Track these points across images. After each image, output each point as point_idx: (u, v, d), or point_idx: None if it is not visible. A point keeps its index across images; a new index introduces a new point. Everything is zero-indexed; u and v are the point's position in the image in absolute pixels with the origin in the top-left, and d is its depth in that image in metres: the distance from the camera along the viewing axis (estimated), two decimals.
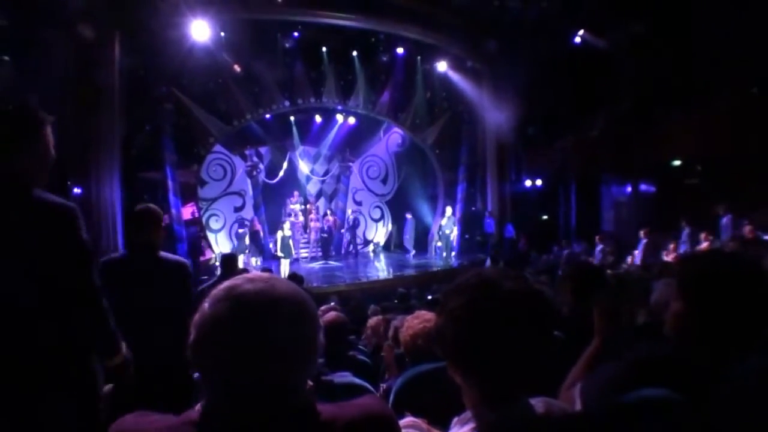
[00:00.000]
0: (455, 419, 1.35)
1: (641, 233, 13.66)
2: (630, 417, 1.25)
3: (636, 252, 13.75)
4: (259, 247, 17.88)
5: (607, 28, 15.47)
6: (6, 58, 10.88)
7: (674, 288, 1.68)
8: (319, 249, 19.08)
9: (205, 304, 1.10)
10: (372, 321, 6.10)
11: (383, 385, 2.99)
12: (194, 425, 1.08)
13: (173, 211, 14.62)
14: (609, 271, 10.70)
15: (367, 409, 1.20)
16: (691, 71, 13.89)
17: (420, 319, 2.86)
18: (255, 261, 17.17)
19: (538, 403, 1.29)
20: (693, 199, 14.92)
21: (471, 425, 1.25)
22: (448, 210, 17.87)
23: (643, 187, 17.46)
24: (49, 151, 2.30)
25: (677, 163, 15.87)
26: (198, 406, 1.11)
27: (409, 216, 19.30)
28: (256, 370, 1.04)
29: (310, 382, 1.17)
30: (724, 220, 12.63)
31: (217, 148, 17.28)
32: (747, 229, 11.79)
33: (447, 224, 17.63)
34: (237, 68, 15.20)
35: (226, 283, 1.12)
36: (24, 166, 2.18)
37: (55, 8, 11.00)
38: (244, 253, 16.69)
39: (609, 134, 16.58)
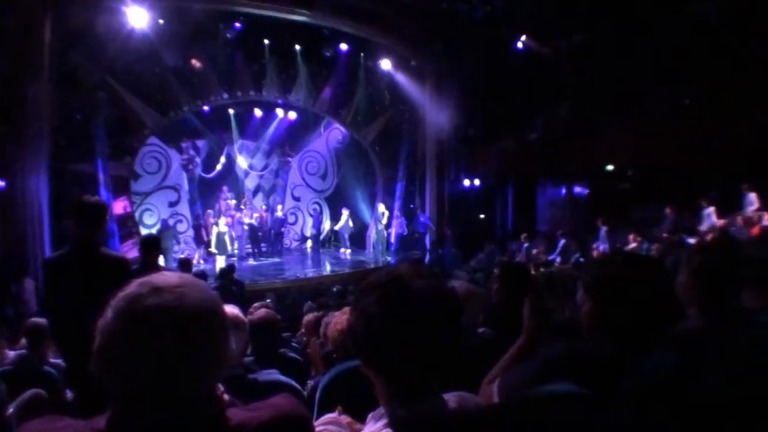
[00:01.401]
0: (370, 415, 1.35)
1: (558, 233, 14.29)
2: (537, 410, 1.28)
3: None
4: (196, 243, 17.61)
5: (549, 34, 15.82)
6: None
7: (582, 290, 1.74)
8: (255, 245, 18.81)
9: (109, 313, 1.06)
10: (307, 318, 6.08)
11: (310, 382, 2.98)
12: None
13: None
14: (541, 270, 11.00)
15: (277, 410, 1.19)
16: (628, 80, 14.37)
17: (348, 315, 2.85)
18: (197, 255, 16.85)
19: (451, 398, 1.30)
20: (624, 203, 15.49)
21: (384, 420, 1.24)
22: (381, 206, 17.94)
23: (577, 189, 17.97)
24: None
25: (610, 167, 16.40)
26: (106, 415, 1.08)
27: (345, 211, 19.27)
28: (157, 382, 1.01)
29: (221, 388, 1.15)
30: (667, 216, 13.22)
31: (152, 140, 16.72)
32: (631, 237, 12.41)
33: (383, 221, 17.70)
34: (195, 62, 14.84)
35: (129, 292, 1.07)
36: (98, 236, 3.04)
37: None
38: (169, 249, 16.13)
39: (547, 138, 17.00)
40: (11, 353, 4.80)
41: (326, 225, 21.24)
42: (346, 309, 2.92)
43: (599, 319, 1.65)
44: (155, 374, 1.01)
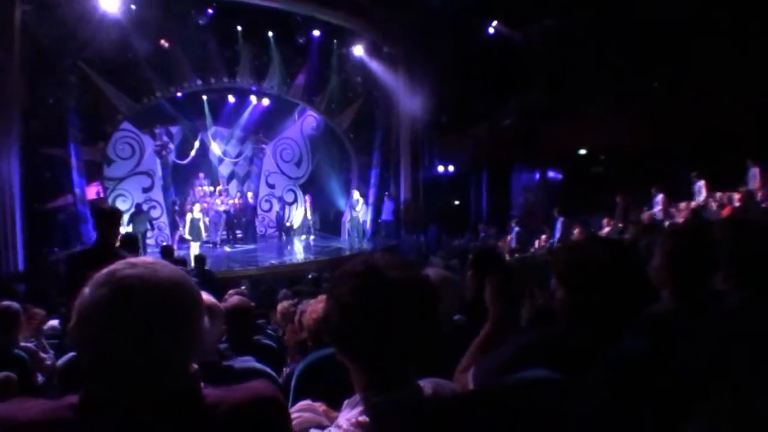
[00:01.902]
0: (345, 402, 1.37)
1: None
2: (514, 397, 1.30)
3: (544, 236, 14.34)
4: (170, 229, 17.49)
5: (521, 20, 15.88)
6: None
7: (554, 276, 1.76)
8: (230, 232, 18.73)
9: (86, 289, 1.09)
10: (282, 305, 6.07)
11: (286, 369, 2.99)
12: (74, 408, 1.06)
13: (77, 190, 13.95)
14: (516, 255, 11.09)
15: (254, 392, 1.21)
16: (600, 64, 14.48)
17: (323, 303, 2.85)
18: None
19: (427, 385, 1.32)
20: (597, 187, 15.66)
21: (360, 408, 1.26)
22: (355, 193, 17.93)
23: (550, 174, 18.13)
24: None
25: (583, 152, 16.57)
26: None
27: (307, 197, 19.32)
28: (134, 353, 1.03)
29: (196, 366, 1.16)
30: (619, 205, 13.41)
31: (125, 125, 16.56)
32: (577, 231, 12.62)
33: (358, 208, 17.68)
34: (165, 43, 14.64)
35: (108, 268, 1.11)
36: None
37: None
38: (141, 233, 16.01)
39: (520, 123, 17.11)
40: None
41: (301, 212, 21.20)
42: (322, 297, 2.93)
43: (572, 305, 1.68)
44: (131, 343, 1.03)
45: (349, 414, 1.29)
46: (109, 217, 4.70)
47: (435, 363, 1.43)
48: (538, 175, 18.53)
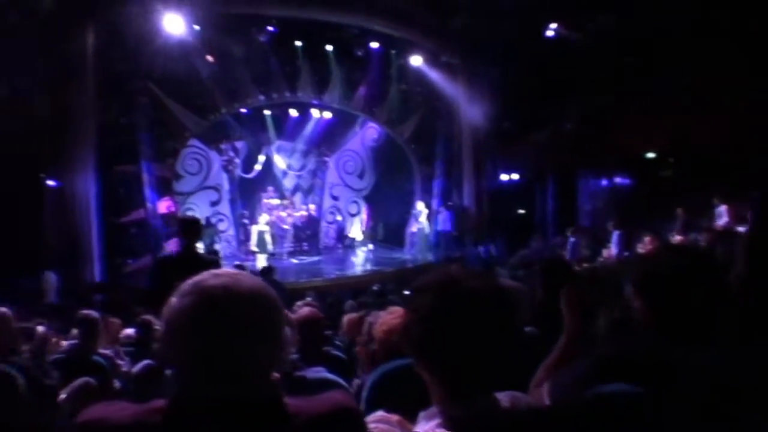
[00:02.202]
0: (421, 414, 1.36)
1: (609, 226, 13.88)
2: (593, 412, 1.28)
3: (610, 245, 13.90)
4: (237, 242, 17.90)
5: (581, 19, 15.53)
6: None
7: (632, 286, 1.72)
8: (296, 244, 19.02)
9: (173, 298, 1.13)
10: (348, 317, 6.11)
11: (357, 381, 3.00)
12: (161, 413, 1.10)
13: (149, 204, 14.54)
14: (585, 265, 10.84)
15: (332, 403, 1.22)
16: (667, 61, 13.98)
17: (394, 315, 2.85)
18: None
19: (504, 398, 1.31)
20: (669, 192, 15.09)
21: (437, 420, 1.26)
22: (419, 204, 17.87)
23: (618, 179, 17.64)
24: None
25: (651, 155, 16.06)
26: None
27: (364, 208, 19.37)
28: (220, 361, 1.07)
29: (277, 375, 1.19)
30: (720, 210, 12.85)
31: (193, 142, 17.12)
32: (648, 240, 12.12)
33: (422, 219, 17.62)
34: (210, 58, 15.07)
35: (193, 278, 1.15)
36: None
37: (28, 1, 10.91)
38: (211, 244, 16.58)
39: (584, 127, 16.70)
40: (64, 343, 5.00)
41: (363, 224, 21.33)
42: (393, 309, 2.93)
43: (651, 316, 1.63)
44: (216, 351, 1.07)
45: (426, 426, 1.29)
46: (192, 225, 5.09)
47: (508, 375, 1.41)
48: (605, 181, 18.02)
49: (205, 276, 1.15)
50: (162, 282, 4.06)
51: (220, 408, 1.08)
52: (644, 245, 12.53)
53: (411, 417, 1.72)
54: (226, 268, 1.26)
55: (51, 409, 3.51)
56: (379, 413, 1.66)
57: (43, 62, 12.03)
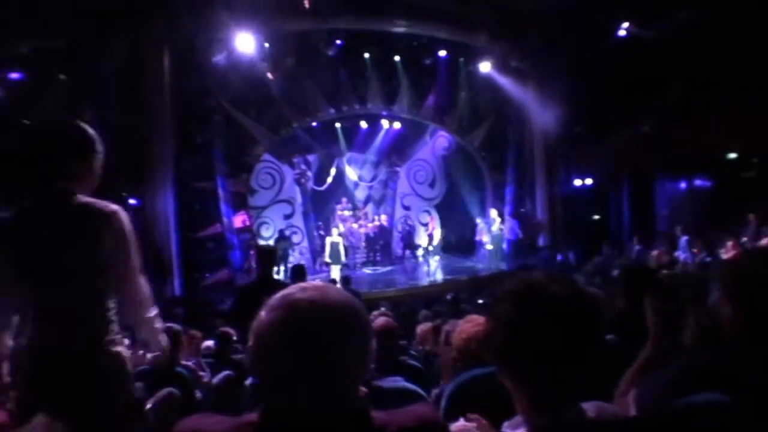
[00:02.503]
0: (506, 423, 1.35)
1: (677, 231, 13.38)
2: (684, 422, 1.23)
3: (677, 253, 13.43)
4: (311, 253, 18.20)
5: (653, 16, 15.06)
6: (62, 76, 11.30)
7: (720, 292, 1.65)
8: (369, 254, 19.15)
9: (262, 313, 1.15)
10: (423, 326, 6.10)
11: (435, 391, 2.99)
12: (253, 427, 1.12)
13: (225, 219, 14.97)
14: (664, 271, 10.47)
15: (418, 416, 1.22)
16: (744, 56, 13.37)
17: (473, 323, 2.84)
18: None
19: (590, 408, 1.28)
20: (752, 194, 14.39)
21: (522, 430, 1.25)
22: (493, 212, 17.66)
23: (698, 182, 16.97)
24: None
25: (733, 156, 15.37)
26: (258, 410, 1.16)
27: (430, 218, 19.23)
28: (310, 375, 1.08)
29: (365, 389, 1.20)
30: None
31: (266, 156, 17.55)
32: (730, 244, 11.54)
33: (494, 227, 17.39)
34: (270, 75, 15.41)
35: (280, 292, 1.17)
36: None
37: (107, 27, 11.39)
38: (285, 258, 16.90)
39: (660, 128, 16.13)
40: (149, 355, 5.19)
41: (437, 233, 21.25)
42: (470, 317, 2.92)
43: (742, 323, 1.56)
44: (305, 364, 1.08)
45: None
46: (268, 254, 5.36)
47: (590, 384, 1.38)
48: (684, 184, 17.36)
49: (293, 290, 1.16)
50: (242, 312, 4.21)
51: (310, 422, 1.09)
52: (727, 250, 12.04)
53: (490, 426, 1.71)
54: (310, 282, 1.26)
55: (138, 418, 3.64)
56: (461, 423, 1.65)
57: (123, 88, 12.58)
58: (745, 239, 12.31)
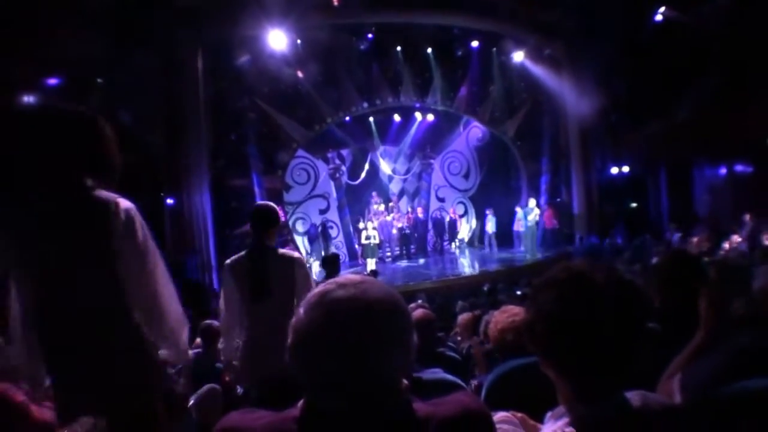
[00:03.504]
0: (549, 414, 1.33)
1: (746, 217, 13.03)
2: (735, 408, 1.20)
3: (736, 237, 13.10)
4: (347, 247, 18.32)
5: (691, 2, 14.73)
6: (99, 80, 11.52)
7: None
8: (403, 247, 19.15)
9: (301, 310, 1.15)
10: (463, 317, 6.09)
11: (474, 382, 2.98)
12: (296, 422, 1.13)
13: None
14: (705, 259, 10.28)
15: (462, 406, 1.20)
16: None
17: (508, 314, 2.83)
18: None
19: (634, 397, 1.26)
20: None
21: (565, 420, 1.23)
22: (532, 202, 17.47)
23: (739, 167, 16.57)
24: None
25: None
26: (300, 404, 1.16)
27: (488, 213, 18.98)
28: (352, 372, 1.07)
29: (406, 382, 1.19)
30: None
31: (300, 152, 17.69)
32: None
33: (531, 216, 17.19)
34: (300, 74, 15.48)
35: (318, 289, 1.16)
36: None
37: (142, 31, 11.57)
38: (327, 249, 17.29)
39: (699, 114, 15.79)
40: (189, 352, 5.26)
41: (472, 224, 21.15)
42: (507, 308, 2.90)
43: None
44: (346, 362, 1.07)
45: (554, 426, 1.26)
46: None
47: (633, 373, 1.36)
48: (724, 170, 16.96)
49: (331, 287, 1.15)
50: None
51: (354, 417, 1.09)
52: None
53: (530, 417, 1.70)
54: (347, 275, 1.23)
55: (182, 414, 3.70)
56: (503, 413, 1.64)
57: (159, 89, 12.78)
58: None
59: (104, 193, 2.18)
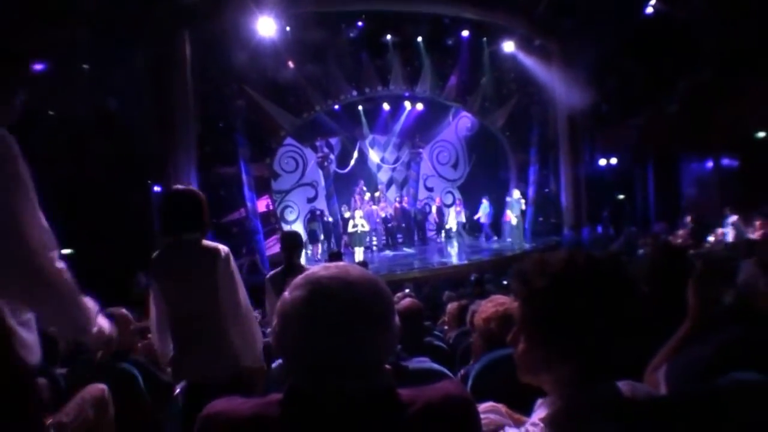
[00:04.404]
0: (539, 401, 1.33)
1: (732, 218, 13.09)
2: (720, 401, 1.21)
3: (721, 230, 13.19)
4: (335, 236, 18.28)
5: None
6: (85, 66, 11.40)
7: (758, 269, 1.61)
8: (390, 236, 19.17)
9: (286, 293, 1.15)
10: (451, 307, 6.10)
11: (461, 371, 2.98)
12: (279, 405, 1.13)
13: (248, 204, 15.04)
14: (691, 251, 10.36)
15: (445, 392, 1.20)
16: None
17: (494, 303, 2.82)
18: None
19: (624, 386, 1.26)
20: None
21: (556, 406, 1.23)
22: (516, 193, 17.46)
23: (725, 162, 16.67)
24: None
25: (762, 135, 15.07)
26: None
27: (484, 200, 19.01)
28: (335, 351, 1.08)
29: (389, 366, 1.19)
30: None
31: (288, 140, 17.65)
32: (758, 224, 11.37)
33: (516, 207, 17.19)
34: (289, 62, 15.42)
35: (304, 273, 1.17)
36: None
37: (128, 16, 11.44)
38: (318, 242, 17.23)
39: (687, 107, 15.83)
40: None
41: (461, 214, 21.18)
42: (493, 297, 2.90)
43: None
44: (329, 342, 1.07)
45: (544, 413, 1.26)
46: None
47: (622, 362, 1.36)
48: (711, 163, 17.04)
49: (316, 269, 1.17)
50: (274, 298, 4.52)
51: (336, 399, 1.09)
52: (755, 229, 11.89)
53: (514, 407, 1.70)
54: (333, 262, 1.26)
55: (167, 403, 3.71)
56: (488, 403, 1.64)
57: (145, 76, 12.65)
58: None
59: (209, 243, 3.16)
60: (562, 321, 1.22)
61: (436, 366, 2.71)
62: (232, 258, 3.19)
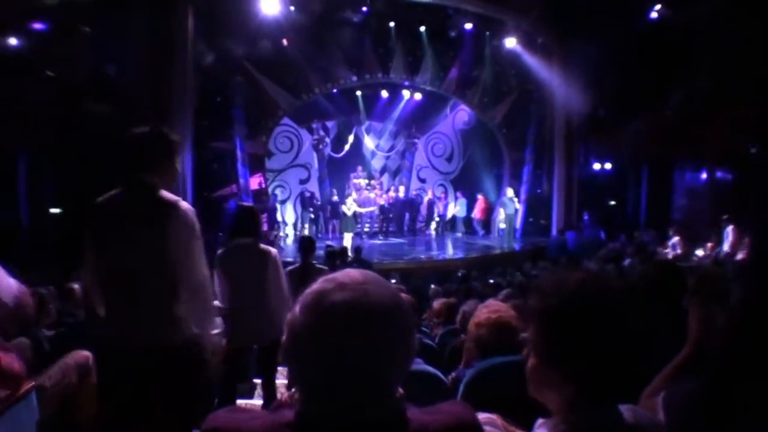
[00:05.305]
0: (539, 421, 1.33)
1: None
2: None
3: (710, 244, 13.23)
4: (324, 220, 18.28)
5: (686, 1, 14.71)
6: (86, 29, 11.26)
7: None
8: (381, 224, 19.18)
9: (297, 308, 1.10)
10: (436, 304, 6.10)
11: (452, 374, 2.97)
12: (289, 426, 1.09)
13: (241, 180, 15.04)
14: (679, 263, 10.37)
15: (456, 418, 1.19)
16: None
17: (488, 309, 2.80)
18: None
19: (626, 411, 1.26)
20: None
21: (557, 429, 1.23)
22: (509, 191, 17.46)
23: (719, 174, 16.71)
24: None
25: (755, 150, 15.09)
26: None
27: (460, 197, 19.09)
28: (347, 378, 1.04)
29: (401, 391, 1.17)
30: None
31: (285, 120, 17.59)
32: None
33: (509, 206, 17.19)
34: (291, 42, 15.32)
35: (317, 287, 1.11)
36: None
37: None
38: (308, 222, 17.38)
39: (685, 116, 15.82)
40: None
41: (452, 208, 21.18)
42: (490, 303, 2.89)
43: None
44: (340, 368, 1.03)
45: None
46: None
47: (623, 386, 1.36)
48: (705, 175, 17.06)
49: (329, 287, 1.08)
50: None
51: (345, 425, 1.06)
52: (746, 246, 11.88)
53: (508, 417, 1.70)
54: (354, 271, 1.15)
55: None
56: (486, 415, 1.64)
57: (145, 45, 12.50)
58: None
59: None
60: (572, 341, 1.21)
61: (430, 369, 2.70)
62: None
